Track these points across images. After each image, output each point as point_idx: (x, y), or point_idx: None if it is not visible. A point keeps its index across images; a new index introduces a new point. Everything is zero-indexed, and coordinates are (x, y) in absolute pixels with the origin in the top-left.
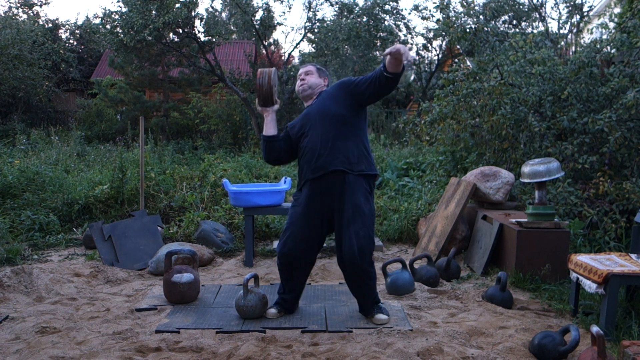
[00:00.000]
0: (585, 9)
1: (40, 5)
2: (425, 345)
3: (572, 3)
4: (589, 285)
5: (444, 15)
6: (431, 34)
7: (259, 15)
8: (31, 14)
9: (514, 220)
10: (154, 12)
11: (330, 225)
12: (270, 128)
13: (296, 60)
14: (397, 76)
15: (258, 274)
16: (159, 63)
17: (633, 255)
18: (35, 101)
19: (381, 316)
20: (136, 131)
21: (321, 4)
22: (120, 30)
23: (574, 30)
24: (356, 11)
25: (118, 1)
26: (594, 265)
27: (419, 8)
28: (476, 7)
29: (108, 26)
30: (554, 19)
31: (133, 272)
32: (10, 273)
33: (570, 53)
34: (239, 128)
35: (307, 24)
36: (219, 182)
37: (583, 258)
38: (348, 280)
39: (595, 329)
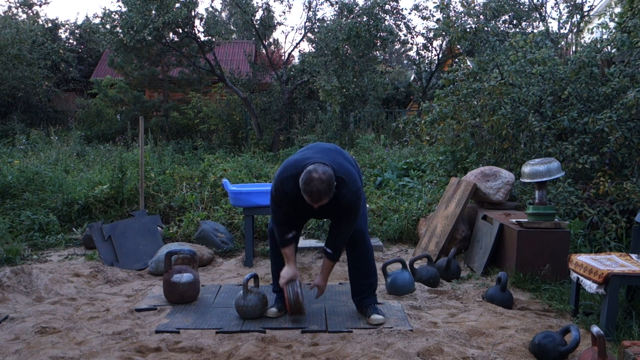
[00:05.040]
0: (586, 8)
1: (40, 5)
2: (426, 346)
3: (572, 3)
4: (590, 286)
5: (444, 15)
6: (431, 34)
7: (258, 15)
8: (31, 14)
9: (514, 220)
10: (153, 11)
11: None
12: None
13: (296, 60)
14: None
15: (258, 274)
16: (158, 63)
17: (633, 256)
18: (35, 101)
19: (377, 316)
20: (136, 131)
21: (321, 3)
22: (120, 30)
23: (574, 30)
24: (356, 11)
25: (118, 1)
26: (594, 265)
27: (419, 8)
28: (476, 7)
29: (108, 26)
30: (554, 18)
31: (133, 272)
32: (9, 273)
33: (571, 53)
34: (239, 128)
35: (307, 23)
36: (219, 182)
37: (583, 258)
38: (348, 251)
39: (595, 329)
